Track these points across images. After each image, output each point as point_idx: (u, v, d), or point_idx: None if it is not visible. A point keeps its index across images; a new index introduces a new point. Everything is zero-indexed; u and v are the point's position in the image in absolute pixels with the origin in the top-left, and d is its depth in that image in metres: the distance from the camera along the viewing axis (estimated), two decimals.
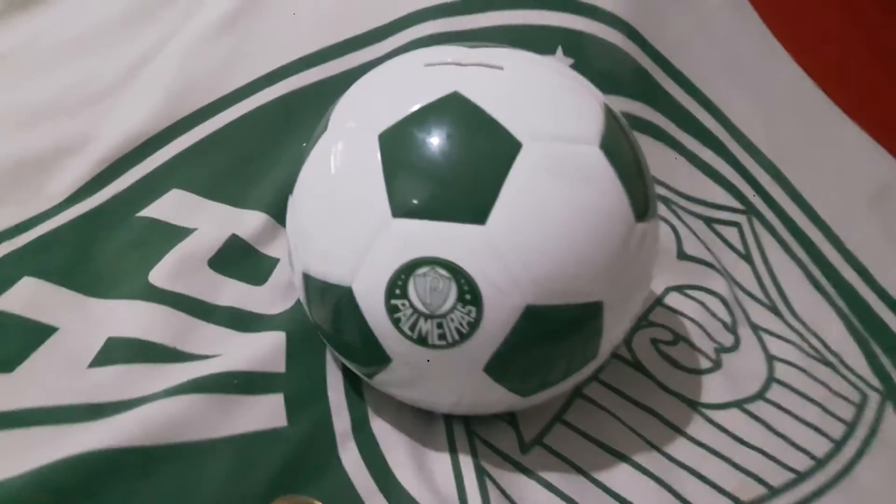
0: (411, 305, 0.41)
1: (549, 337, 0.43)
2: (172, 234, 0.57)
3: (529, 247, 0.40)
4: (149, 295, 0.53)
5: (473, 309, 0.41)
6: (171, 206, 0.59)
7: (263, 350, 0.51)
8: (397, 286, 0.41)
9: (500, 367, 0.43)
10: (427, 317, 0.41)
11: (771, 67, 0.76)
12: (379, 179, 0.41)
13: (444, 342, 0.42)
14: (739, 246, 0.70)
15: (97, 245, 0.56)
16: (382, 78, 0.46)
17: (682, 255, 0.67)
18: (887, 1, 0.81)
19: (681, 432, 0.54)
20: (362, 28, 0.69)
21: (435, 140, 0.41)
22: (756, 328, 0.65)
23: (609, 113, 0.45)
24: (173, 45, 0.65)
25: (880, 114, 0.77)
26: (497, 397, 0.46)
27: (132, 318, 0.51)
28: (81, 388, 0.47)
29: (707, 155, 0.72)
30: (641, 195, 0.45)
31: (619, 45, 0.70)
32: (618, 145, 0.44)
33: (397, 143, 0.42)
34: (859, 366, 0.63)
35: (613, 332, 0.46)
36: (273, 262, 0.58)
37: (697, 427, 0.55)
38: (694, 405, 0.56)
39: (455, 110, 0.42)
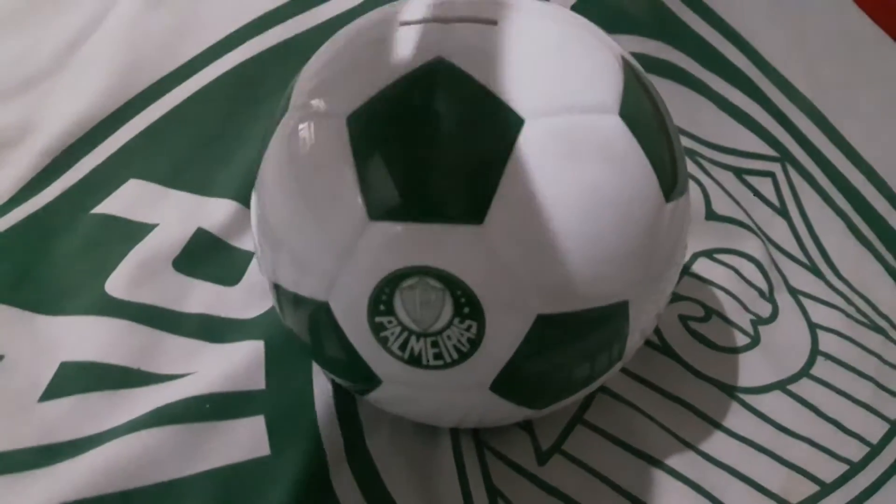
0: (399, 322, 0.34)
1: (566, 346, 0.36)
2: (131, 233, 0.51)
3: (538, 247, 0.33)
4: (106, 308, 0.46)
5: (474, 324, 0.34)
6: (128, 199, 0.53)
7: (240, 365, 0.45)
8: (381, 301, 0.34)
9: (510, 384, 0.37)
10: (419, 335, 0.34)
11: None
12: (350, 174, 0.34)
13: (440, 362, 0.35)
14: (774, 199, 0.63)
15: (45, 252, 0.49)
16: (350, 43, 0.38)
17: (710, 216, 0.59)
18: None
19: (718, 426, 0.48)
20: None
21: (416, 121, 0.34)
22: (795, 293, 0.58)
23: (629, 69, 0.37)
24: (113, 16, 0.56)
25: None
26: (507, 412, 0.40)
27: (88, 337, 0.45)
28: (33, 428, 0.41)
29: (736, 97, 0.64)
30: (670, 168, 0.37)
31: None
32: (641, 110, 0.36)
33: (370, 128, 0.34)
34: None
35: (643, 324, 0.39)
36: (246, 257, 0.51)
37: (737, 418, 0.49)
38: (731, 391, 0.50)
39: (439, 81, 0.34)
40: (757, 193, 0.63)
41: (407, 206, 0.33)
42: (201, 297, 0.49)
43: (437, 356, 0.35)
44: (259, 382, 0.44)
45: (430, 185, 0.33)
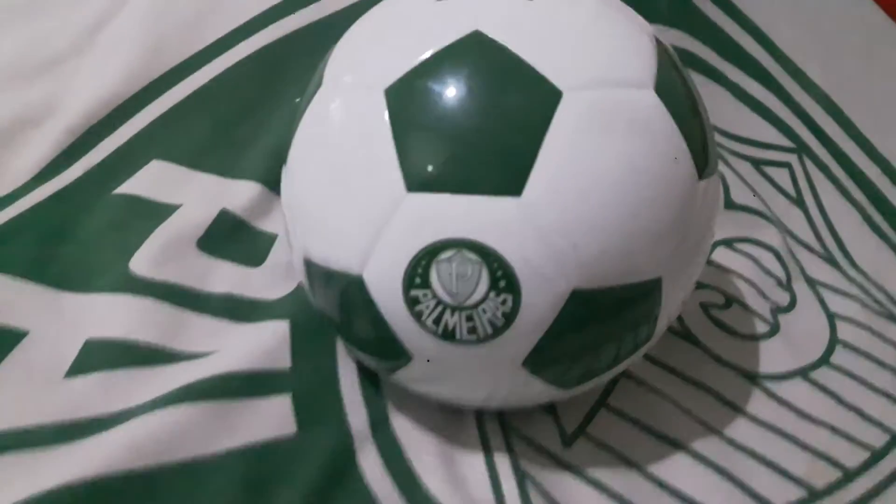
0: (434, 296, 0.34)
1: (599, 323, 0.36)
2: (154, 213, 0.50)
3: (576, 221, 0.33)
4: (131, 286, 0.46)
5: (509, 297, 0.34)
6: (151, 180, 0.52)
7: (265, 343, 0.44)
8: (417, 274, 0.34)
9: (541, 360, 0.37)
10: (454, 309, 0.34)
11: None
12: (388, 146, 0.34)
13: (474, 337, 0.35)
14: (791, 189, 0.63)
15: (69, 230, 0.49)
16: (385, 17, 0.38)
17: (729, 205, 0.60)
18: None
19: (741, 411, 0.48)
20: None
21: (454, 93, 0.34)
22: (813, 283, 0.58)
23: (661, 48, 0.37)
24: None
25: None
26: (536, 392, 0.40)
27: (113, 314, 0.45)
28: (58, 403, 0.41)
29: (753, 87, 0.64)
30: (702, 147, 0.38)
31: None
32: (674, 87, 0.37)
33: (408, 100, 0.34)
34: None
35: (672, 307, 0.39)
36: (270, 239, 0.51)
37: (759, 403, 0.49)
38: (753, 378, 0.50)
39: (477, 54, 0.34)
40: (774, 184, 0.63)
41: (445, 178, 0.33)
42: (225, 277, 0.48)
43: (472, 330, 0.35)
44: (285, 361, 0.44)
45: (469, 157, 0.33)
